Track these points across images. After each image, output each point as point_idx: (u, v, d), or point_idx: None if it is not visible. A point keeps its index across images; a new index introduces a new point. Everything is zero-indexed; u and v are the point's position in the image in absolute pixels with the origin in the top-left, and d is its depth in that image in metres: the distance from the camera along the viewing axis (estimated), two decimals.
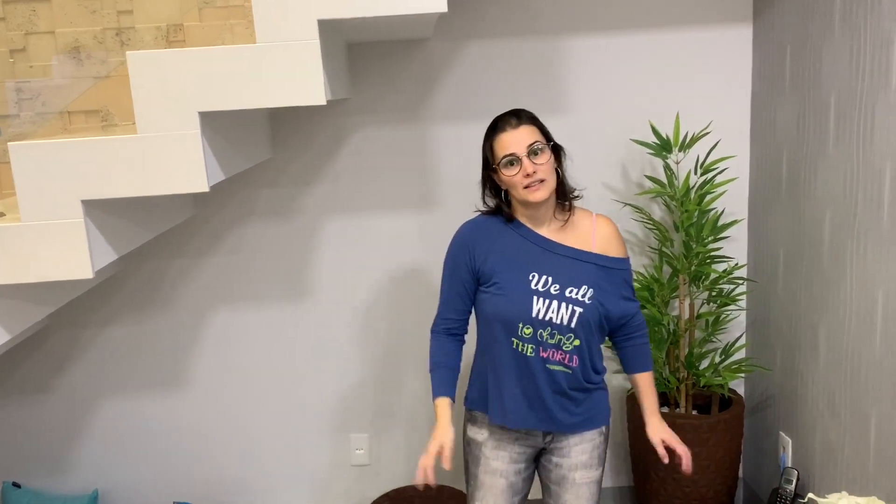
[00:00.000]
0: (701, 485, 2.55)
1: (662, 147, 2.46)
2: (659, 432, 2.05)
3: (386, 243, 2.75)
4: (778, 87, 2.51)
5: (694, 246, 2.49)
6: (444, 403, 1.94)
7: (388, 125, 2.67)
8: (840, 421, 2.25)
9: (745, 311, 2.86)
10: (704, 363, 2.78)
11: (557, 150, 1.93)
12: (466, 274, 1.97)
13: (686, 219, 2.46)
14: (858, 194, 2.10)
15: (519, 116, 1.88)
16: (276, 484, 2.90)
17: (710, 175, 2.48)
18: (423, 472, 1.85)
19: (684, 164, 2.61)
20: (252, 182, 2.69)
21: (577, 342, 1.90)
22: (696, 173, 2.52)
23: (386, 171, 2.71)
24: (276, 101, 1.70)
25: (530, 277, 1.89)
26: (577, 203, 2.00)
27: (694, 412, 2.72)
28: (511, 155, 1.84)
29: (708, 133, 2.58)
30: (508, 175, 1.86)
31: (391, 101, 2.66)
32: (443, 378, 1.98)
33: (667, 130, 2.58)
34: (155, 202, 2.22)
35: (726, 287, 2.64)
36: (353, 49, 2.61)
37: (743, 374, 2.64)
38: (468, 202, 2.72)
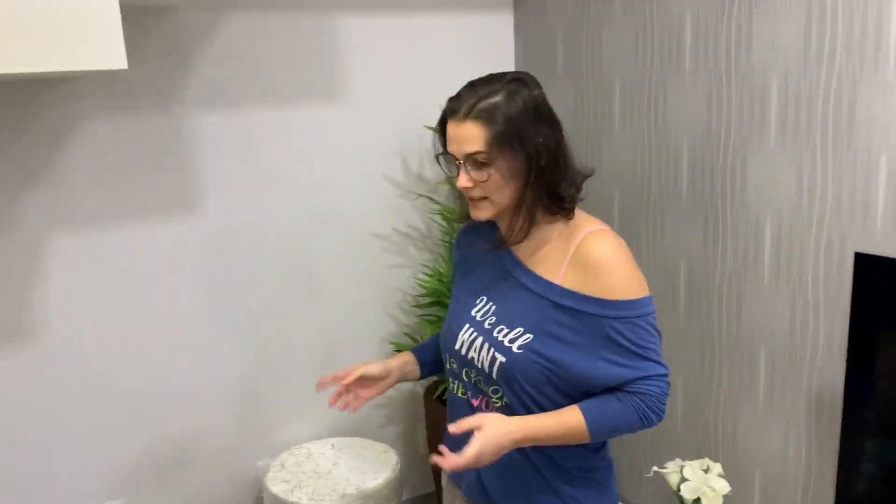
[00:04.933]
0: None
1: None
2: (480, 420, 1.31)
3: (137, 260, 2.22)
4: (549, 72, 2.54)
5: None
6: (401, 354, 1.64)
7: (132, 112, 2.15)
8: None
9: None
10: None
11: (534, 155, 1.34)
12: (455, 280, 1.62)
13: None
14: (652, 172, 2.20)
15: (469, 105, 1.33)
16: None
17: None
18: (324, 380, 1.53)
19: None
20: None
21: (505, 399, 1.39)
22: None
23: (132, 169, 2.17)
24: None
25: (476, 301, 1.47)
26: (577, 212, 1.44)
27: None
28: (451, 156, 1.37)
29: None
30: (451, 174, 1.42)
31: (135, 82, 2.13)
32: (425, 348, 1.66)
33: (434, 120, 2.47)
34: None
35: None
36: None
37: None
38: (241, 204, 2.34)
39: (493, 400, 1.41)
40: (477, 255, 1.52)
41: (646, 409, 1.35)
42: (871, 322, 1.51)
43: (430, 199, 2.57)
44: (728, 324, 2.04)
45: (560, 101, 2.52)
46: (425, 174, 2.59)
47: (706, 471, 1.95)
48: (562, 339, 1.34)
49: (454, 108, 1.36)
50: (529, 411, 1.37)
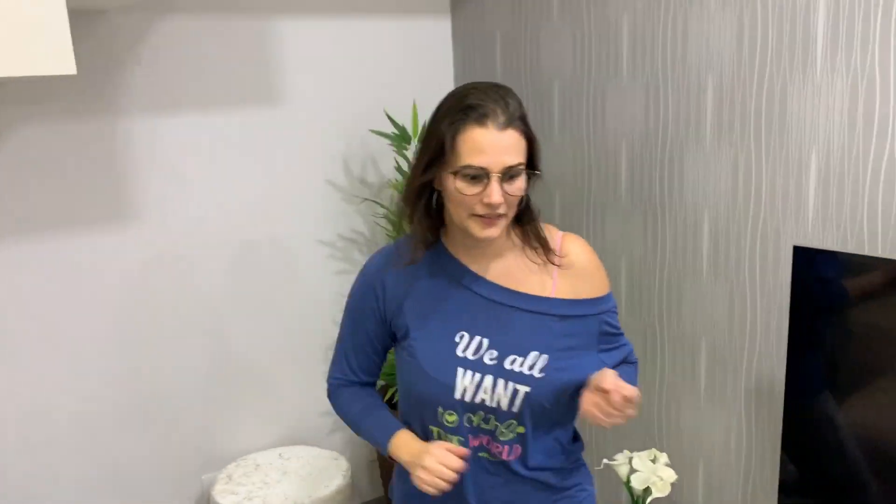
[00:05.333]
0: None
1: (402, 138, 2.35)
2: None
3: (67, 272, 2.14)
4: (488, 76, 2.57)
5: None
6: (403, 434, 1.35)
7: (62, 118, 2.07)
8: None
9: None
10: None
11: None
12: (374, 324, 1.37)
13: None
14: (592, 173, 2.26)
15: (508, 109, 1.21)
16: None
17: None
18: (437, 483, 1.25)
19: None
20: None
21: (520, 429, 1.33)
22: None
23: (63, 177, 2.09)
24: None
25: (456, 339, 1.31)
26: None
27: None
28: (480, 169, 1.20)
29: None
30: (463, 192, 1.22)
31: (65, 87, 2.06)
32: (384, 417, 1.40)
33: (377, 122, 2.48)
34: None
35: None
36: None
37: None
38: (180, 211, 2.28)
39: (505, 434, 1.32)
40: (425, 291, 1.35)
41: (632, 361, 1.47)
42: (810, 312, 1.59)
43: (376, 202, 2.56)
44: (669, 318, 2.10)
45: None
46: (368, 178, 2.58)
47: (654, 461, 2.01)
48: (571, 348, 1.32)
49: (487, 114, 1.20)
50: (540, 429, 1.34)
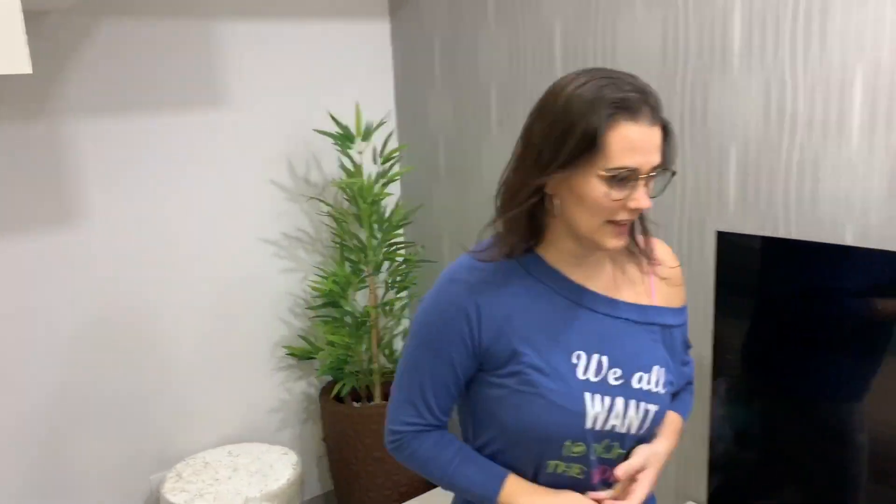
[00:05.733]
0: (402, 482, 2.58)
1: (346, 137, 2.41)
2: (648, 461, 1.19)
3: (11, 275, 2.12)
4: (427, 79, 2.66)
5: (380, 237, 2.49)
6: (515, 480, 1.18)
7: (2, 121, 2.06)
8: None
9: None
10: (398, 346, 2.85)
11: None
12: (462, 354, 1.16)
13: (375, 210, 2.45)
14: None
15: (650, 101, 1.06)
16: None
17: (388, 165, 2.50)
18: None
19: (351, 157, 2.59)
20: None
21: None
22: (375, 163, 2.52)
23: (3, 180, 2.09)
24: None
25: (573, 360, 1.14)
26: None
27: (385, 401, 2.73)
28: (632, 170, 1.05)
29: (384, 123, 2.60)
30: (609, 196, 1.06)
31: (8, 88, 2.05)
32: (484, 463, 1.21)
33: (319, 122, 2.54)
34: None
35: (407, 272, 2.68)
36: None
37: None
38: (124, 212, 2.29)
39: (622, 459, 1.19)
40: (528, 310, 1.16)
41: (691, 385, 1.39)
42: (734, 293, 1.72)
43: (320, 200, 2.61)
44: None
45: (439, 107, 2.64)
46: (311, 178, 2.63)
47: None
48: (670, 361, 1.23)
49: (638, 108, 1.04)
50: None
